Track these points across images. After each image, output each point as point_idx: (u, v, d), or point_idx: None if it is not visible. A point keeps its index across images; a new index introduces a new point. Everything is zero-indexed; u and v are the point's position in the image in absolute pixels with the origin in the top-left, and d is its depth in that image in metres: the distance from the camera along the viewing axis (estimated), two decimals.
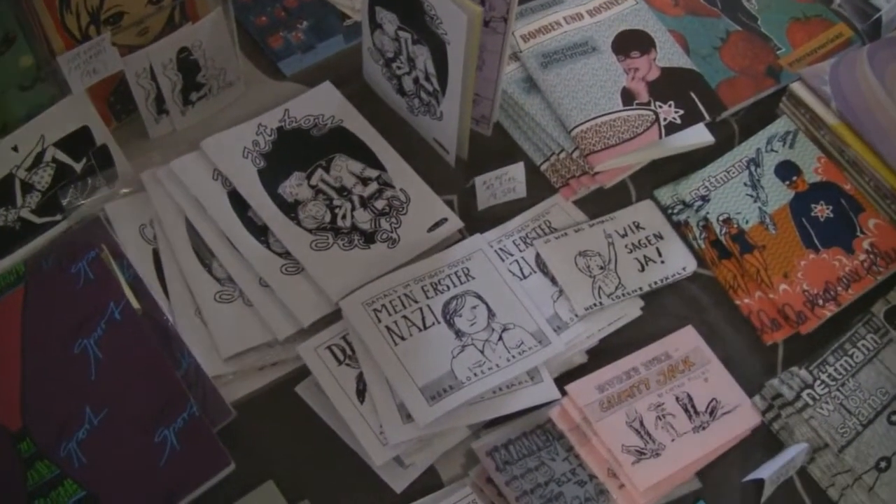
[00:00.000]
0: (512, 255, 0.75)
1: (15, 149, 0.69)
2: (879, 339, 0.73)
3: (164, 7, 0.75)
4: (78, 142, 0.73)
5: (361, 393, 0.67)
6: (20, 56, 0.69)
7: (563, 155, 0.80)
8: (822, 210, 0.78)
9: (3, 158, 0.69)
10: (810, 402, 0.70)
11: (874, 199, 0.78)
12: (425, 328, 0.69)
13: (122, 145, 0.75)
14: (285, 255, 0.73)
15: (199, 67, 0.78)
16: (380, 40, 0.78)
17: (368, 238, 0.74)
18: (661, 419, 0.69)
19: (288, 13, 0.87)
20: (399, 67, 0.78)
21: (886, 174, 0.77)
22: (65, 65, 0.70)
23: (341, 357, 0.68)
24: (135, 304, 0.69)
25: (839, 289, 0.74)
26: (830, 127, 0.80)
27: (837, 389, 0.70)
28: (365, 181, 0.77)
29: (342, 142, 0.79)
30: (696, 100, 0.81)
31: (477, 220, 0.77)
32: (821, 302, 0.74)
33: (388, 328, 0.69)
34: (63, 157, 0.72)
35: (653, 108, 0.80)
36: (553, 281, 0.74)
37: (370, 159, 0.78)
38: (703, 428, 0.69)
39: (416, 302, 0.71)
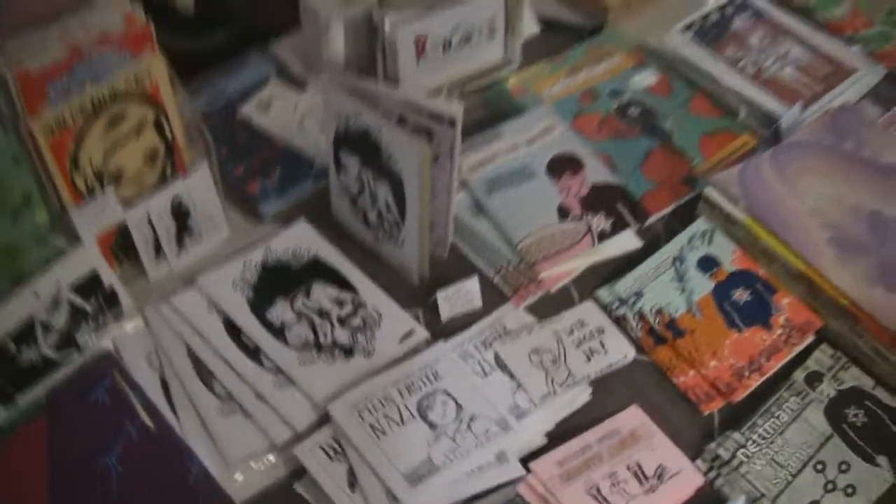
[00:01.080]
0: (474, 356, 0.90)
1: (35, 294, 0.84)
2: (801, 400, 0.88)
3: (157, 164, 0.92)
4: (88, 284, 0.87)
5: (353, 484, 0.80)
6: (36, 212, 0.85)
7: (511, 267, 0.95)
8: (741, 294, 0.94)
9: (26, 304, 0.83)
10: (745, 459, 0.83)
11: (785, 281, 0.94)
12: (403, 423, 0.83)
13: (125, 285, 0.90)
14: (276, 371, 0.87)
15: (190, 214, 0.94)
16: (344, 180, 0.95)
17: (348, 352, 0.89)
18: (615, 486, 0.82)
19: (263, 162, 1.04)
20: (363, 202, 0.95)
21: (793, 259, 0.93)
22: (76, 219, 0.86)
23: (332, 454, 0.82)
24: (148, 422, 0.82)
25: (762, 360, 0.89)
26: (742, 223, 0.96)
27: (768, 446, 0.84)
28: (341, 303, 0.92)
29: (318, 271, 0.94)
30: (624, 210, 0.98)
31: (441, 329, 0.92)
32: (747, 373, 0.89)
33: (371, 425, 0.82)
34: (76, 299, 0.87)
35: (585, 219, 0.97)
36: (511, 376, 0.88)
37: (344, 284, 0.94)
38: (653, 490, 0.82)
39: (394, 402, 0.84)
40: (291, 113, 1.09)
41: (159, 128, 0.90)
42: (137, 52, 0.85)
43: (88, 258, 0.87)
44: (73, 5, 0.83)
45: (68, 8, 0.83)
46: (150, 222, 0.91)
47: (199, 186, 0.93)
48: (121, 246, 0.92)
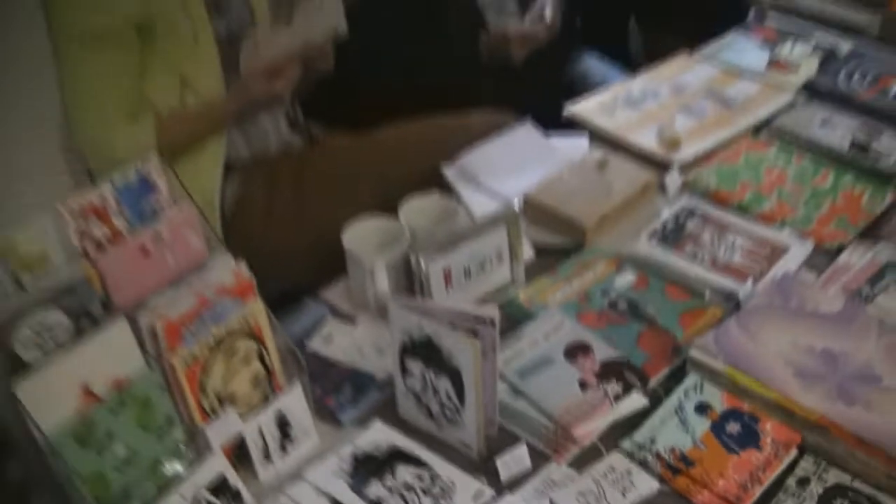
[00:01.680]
0: None
1: (181, 497, 1.08)
2: (797, 500, 1.12)
3: (260, 386, 1.19)
4: (219, 486, 1.12)
5: None
6: (175, 430, 1.11)
7: (550, 433, 1.22)
8: (732, 427, 1.20)
9: None
10: None
11: (765, 410, 1.21)
12: None
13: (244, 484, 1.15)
14: None
15: (290, 424, 1.20)
16: (410, 382, 1.22)
17: None
18: None
19: (334, 382, 1.31)
20: (427, 398, 1.21)
21: (768, 393, 1.20)
22: (208, 433, 1.12)
23: None
24: None
25: (759, 474, 1.14)
26: (723, 373, 1.24)
27: None
28: (421, 478, 1.17)
29: (398, 455, 1.20)
30: (630, 377, 1.26)
31: (501, 489, 1.17)
32: (749, 486, 1.13)
33: None
34: (212, 499, 1.11)
35: (602, 388, 1.25)
36: None
37: (420, 462, 1.19)
38: None
39: None
40: (350, 342, 1.38)
41: (261, 357, 1.18)
42: (245, 299, 1.14)
43: (218, 465, 1.12)
44: (198, 266, 1.14)
45: (195, 269, 1.13)
46: (260, 433, 1.17)
47: (295, 402, 1.20)
48: (237, 454, 1.18)
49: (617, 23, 3.01)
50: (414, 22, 2.26)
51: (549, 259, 1.52)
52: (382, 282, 1.38)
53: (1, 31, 1.65)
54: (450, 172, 1.73)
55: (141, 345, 1.08)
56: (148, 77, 1.78)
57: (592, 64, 2.61)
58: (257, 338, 1.17)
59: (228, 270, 1.14)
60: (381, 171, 1.90)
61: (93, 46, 1.69)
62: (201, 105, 1.81)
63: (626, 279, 1.44)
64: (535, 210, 1.58)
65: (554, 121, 1.90)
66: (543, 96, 2.21)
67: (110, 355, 1.06)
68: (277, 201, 1.86)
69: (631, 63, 2.68)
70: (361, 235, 1.46)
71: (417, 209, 1.50)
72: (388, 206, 1.54)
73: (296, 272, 1.72)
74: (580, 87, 2.23)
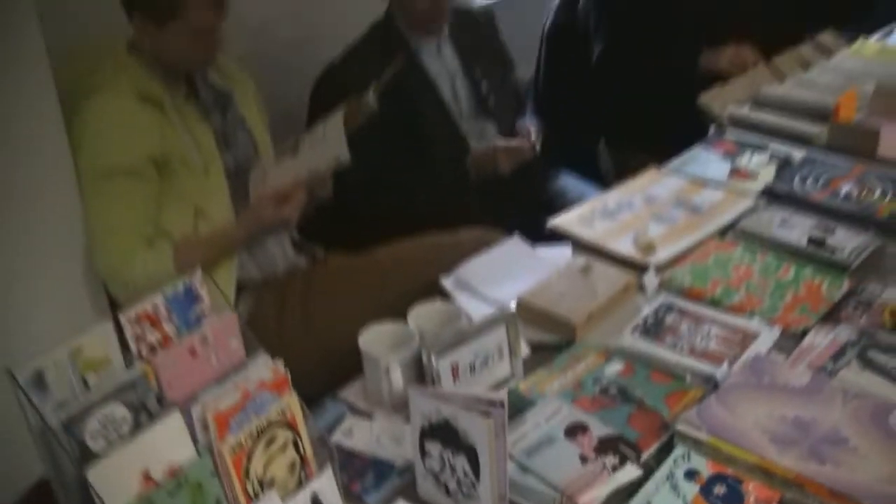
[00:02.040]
0: None
1: None
2: None
3: (295, 472, 1.34)
4: None
5: None
6: None
7: (558, 503, 1.37)
8: (719, 489, 1.35)
9: None
10: None
11: (747, 473, 1.37)
12: None
13: None
14: None
15: None
16: (429, 463, 1.38)
17: None
18: None
19: (357, 469, 1.47)
20: (445, 476, 1.37)
21: (748, 457, 1.37)
22: None
23: None
24: None
25: None
26: (707, 443, 1.41)
27: None
28: None
29: None
30: (626, 450, 1.42)
31: None
32: None
33: None
34: None
35: (600, 461, 1.40)
36: None
37: None
38: None
39: None
40: (369, 434, 1.53)
41: (296, 446, 1.34)
42: (281, 393, 1.31)
43: None
44: (239, 365, 1.31)
45: (237, 367, 1.30)
46: None
47: (327, 485, 1.35)
48: None
49: (588, 145, 3.26)
50: (406, 150, 2.49)
51: (544, 354, 1.69)
52: (397, 378, 1.54)
53: (27, 168, 1.84)
54: (447, 283, 1.92)
55: (192, 435, 1.24)
56: (164, 207, 1.98)
57: (568, 182, 2.84)
58: (293, 428, 1.33)
59: (266, 367, 1.31)
60: (381, 286, 2.09)
61: (115, 181, 1.89)
62: (214, 231, 2.00)
63: (615, 368, 1.61)
64: (528, 311, 1.76)
65: (537, 235, 2.10)
66: (526, 213, 2.43)
67: (166, 444, 1.21)
68: (287, 318, 2.04)
69: (602, 180, 2.92)
70: (375, 339, 1.63)
71: (424, 314, 1.67)
72: (394, 315, 1.72)
73: (308, 383, 1.87)
74: (559, 204, 2.45)
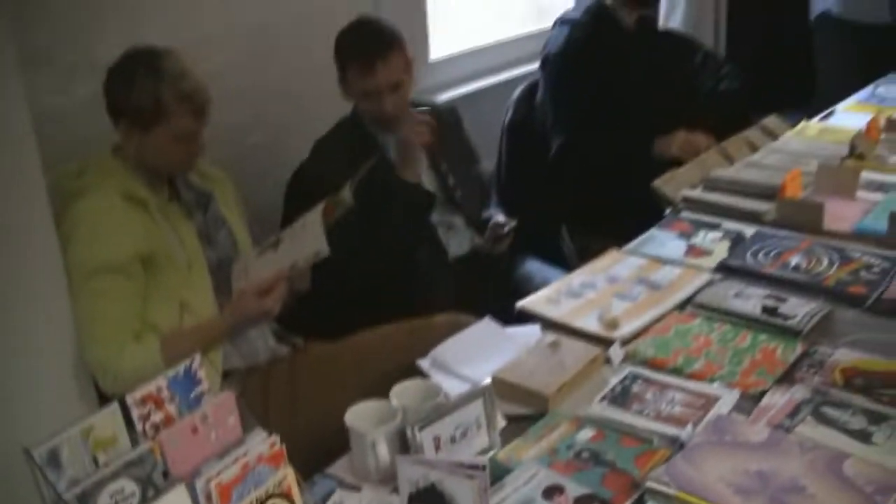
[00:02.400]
0: None
1: None
2: None
3: None
4: None
5: None
6: None
7: None
8: None
9: None
10: None
11: None
12: None
13: None
14: None
15: None
16: None
17: None
18: None
19: None
20: None
21: None
22: None
23: None
24: None
25: None
26: (676, 496, 1.52)
27: None
28: None
29: None
30: None
31: None
32: None
33: None
34: None
35: None
36: None
37: None
38: None
39: None
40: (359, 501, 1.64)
41: None
42: (277, 465, 1.41)
43: None
44: (238, 441, 1.41)
45: (235, 443, 1.41)
46: None
47: None
48: None
49: (550, 231, 3.42)
50: (378, 242, 2.63)
51: (519, 425, 1.80)
52: (383, 452, 1.65)
53: (18, 267, 1.94)
54: (424, 364, 2.04)
55: None
56: (150, 302, 2.10)
57: (533, 267, 2.99)
58: (289, 498, 1.43)
59: (263, 442, 1.42)
60: (361, 369, 2.21)
61: (104, 278, 2.01)
62: (199, 324, 2.12)
63: (587, 434, 1.73)
64: (503, 386, 1.88)
65: (506, 318, 2.23)
66: (494, 298, 2.57)
67: None
68: (273, 404, 2.15)
69: (566, 263, 3.07)
70: (360, 415, 1.73)
71: (405, 392, 1.79)
72: (375, 397, 1.83)
73: (295, 464, 1.98)
74: (525, 288, 2.57)
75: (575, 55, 3.30)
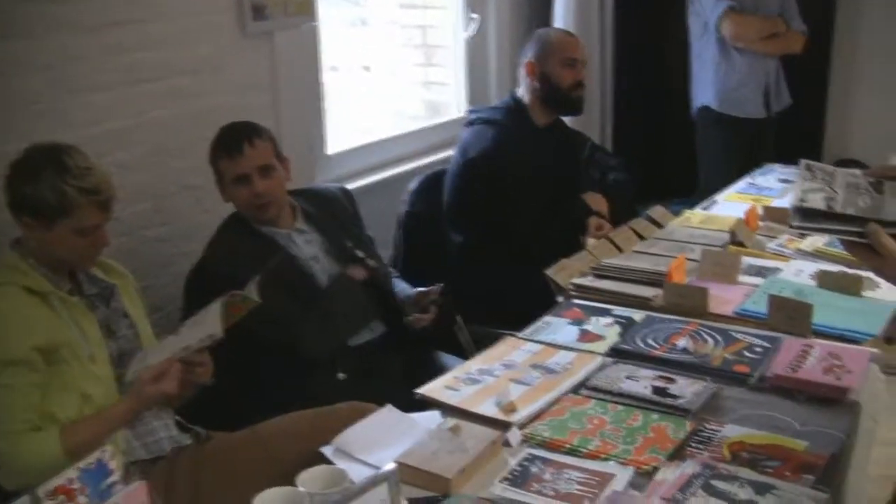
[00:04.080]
0: None
1: None
2: None
3: None
4: None
5: None
6: None
7: None
8: None
9: None
10: None
11: None
12: None
13: None
14: None
15: None
16: None
17: None
18: None
19: None
20: None
21: None
22: None
23: None
24: None
25: None
26: None
27: None
28: None
29: None
30: None
31: None
32: None
33: None
34: None
35: None
36: None
37: None
38: None
39: None
40: None
41: None
42: None
43: None
44: None
45: None
46: None
47: None
48: None
49: (446, 322, 3.51)
50: (277, 332, 2.69)
51: None
52: None
53: None
54: (328, 452, 2.09)
55: None
56: (50, 393, 2.12)
57: (431, 357, 3.08)
58: None
59: None
60: (266, 458, 2.25)
61: (4, 371, 2.03)
62: (98, 412, 2.15)
63: None
64: (406, 470, 1.94)
65: (406, 406, 2.30)
66: (393, 388, 2.64)
67: None
68: (176, 497, 2.17)
69: (462, 353, 3.15)
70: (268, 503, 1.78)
71: (312, 478, 1.84)
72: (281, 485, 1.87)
73: None
74: (422, 377, 2.65)
75: (501, 157, 3.45)
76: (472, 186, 3.48)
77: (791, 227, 1.85)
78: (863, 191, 1.80)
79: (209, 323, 2.20)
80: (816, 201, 1.78)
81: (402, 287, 3.17)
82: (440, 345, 3.34)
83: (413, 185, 3.73)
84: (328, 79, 4.00)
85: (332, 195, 3.08)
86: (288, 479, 1.85)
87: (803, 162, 1.87)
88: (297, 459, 2.11)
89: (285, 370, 2.68)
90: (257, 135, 2.79)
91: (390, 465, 1.95)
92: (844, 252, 2.07)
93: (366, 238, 3.10)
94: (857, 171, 1.91)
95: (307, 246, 2.88)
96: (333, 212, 2.97)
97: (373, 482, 1.77)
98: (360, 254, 2.92)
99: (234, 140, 2.75)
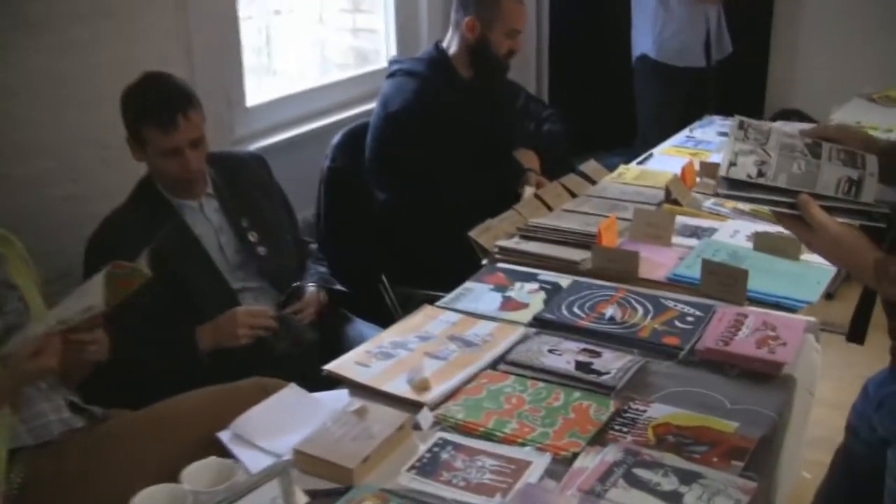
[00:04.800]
0: None
1: None
2: None
3: None
4: None
5: None
6: None
7: None
8: None
9: None
10: None
11: None
12: None
13: None
14: None
15: None
16: None
17: None
18: None
19: None
20: None
21: None
22: None
23: None
24: None
25: None
26: None
27: None
28: None
29: None
30: None
31: None
32: None
33: None
34: None
35: None
36: None
37: None
38: None
39: None
40: None
41: None
42: None
43: None
44: None
45: None
46: None
47: None
48: None
49: (371, 283, 3.34)
50: (176, 307, 2.51)
51: (325, 501, 1.71)
52: None
53: None
54: (224, 437, 1.92)
55: None
56: None
57: (350, 325, 2.90)
58: None
59: None
60: (160, 442, 2.08)
61: None
62: None
63: None
64: (305, 460, 1.78)
65: (317, 382, 2.13)
66: (305, 361, 2.47)
67: None
68: (65, 480, 2.00)
69: (388, 317, 2.98)
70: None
71: (198, 473, 1.67)
72: (174, 473, 1.70)
73: None
74: (339, 349, 2.48)
75: (423, 111, 3.25)
76: (393, 141, 3.28)
77: (717, 195, 1.70)
78: (798, 154, 1.65)
79: (91, 295, 2.00)
80: (747, 165, 1.63)
81: (311, 275, 2.92)
82: (364, 309, 3.18)
83: (336, 139, 3.53)
84: (246, 26, 3.75)
85: (240, 161, 2.86)
86: (184, 465, 1.71)
87: (737, 119, 1.71)
88: (193, 444, 1.95)
89: (186, 348, 2.51)
90: (191, 106, 2.53)
91: (286, 457, 1.80)
92: None
93: (276, 209, 2.87)
94: (795, 131, 1.76)
95: (216, 215, 2.68)
96: (239, 181, 2.76)
97: (264, 477, 1.60)
98: (252, 237, 2.71)
99: (166, 111, 2.49)
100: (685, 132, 3.88)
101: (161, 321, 2.53)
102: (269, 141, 3.72)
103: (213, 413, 2.05)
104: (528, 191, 3.11)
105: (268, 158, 3.06)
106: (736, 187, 1.64)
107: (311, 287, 2.73)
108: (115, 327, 2.22)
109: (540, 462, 1.76)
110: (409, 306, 3.02)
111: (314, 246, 3.04)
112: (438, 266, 2.90)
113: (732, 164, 1.65)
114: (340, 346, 2.66)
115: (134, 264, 2.07)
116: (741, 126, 1.70)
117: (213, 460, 1.72)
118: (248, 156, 2.95)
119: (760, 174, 1.63)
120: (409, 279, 3.26)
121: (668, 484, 1.66)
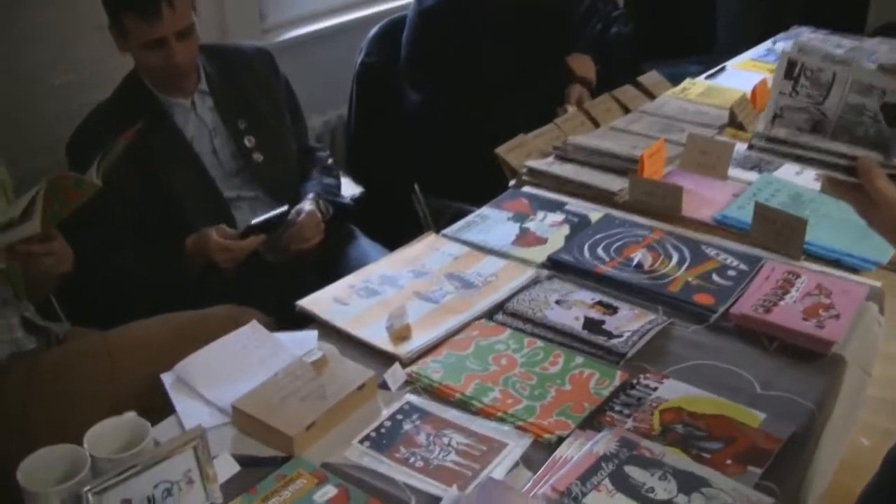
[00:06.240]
0: None
1: None
2: None
3: None
4: None
5: None
6: None
7: None
8: None
9: None
10: None
11: None
12: None
13: None
14: None
15: None
16: None
17: None
18: None
19: None
20: None
21: None
22: None
23: None
24: None
25: None
26: None
27: None
28: None
29: None
30: None
31: None
32: None
33: None
34: None
35: None
36: None
37: None
38: None
39: None
40: None
41: None
42: None
43: None
44: None
45: None
46: None
47: None
48: None
49: (404, 190, 3.04)
50: (160, 215, 2.27)
51: (258, 472, 1.45)
52: None
53: None
54: (167, 380, 1.66)
55: None
56: None
57: (353, 247, 2.60)
58: None
59: None
60: (109, 375, 1.87)
61: None
62: None
63: (326, 495, 1.38)
64: (242, 420, 1.52)
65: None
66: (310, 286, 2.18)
67: None
68: (2, 412, 1.79)
69: (420, 229, 2.68)
70: (42, 466, 1.36)
71: (103, 434, 1.41)
72: (120, 411, 1.46)
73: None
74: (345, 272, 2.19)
75: (459, 7, 2.88)
76: (427, 39, 2.92)
77: (750, 147, 1.34)
78: (868, 117, 1.27)
79: (25, 210, 1.75)
80: (797, 123, 1.27)
81: (313, 185, 2.59)
82: (395, 217, 2.90)
83: (373, 30, 3.18)
84: None
85: (242, 55, 2.52)
86: (135, 403, 1.51)
87: (784, 57, 1.33)
88: (143, 382, 1.74)
89: (168, 257, 2.25)
90: None
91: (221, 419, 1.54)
92: None
93: (279, 112, 2.54)
94: (873, 67, 1.38)
95: (210, 114, 2.38)
96: (238, 78, 2.44)
97: (174, 447, 1.35)
98: (248, 142, 2.39)
99: None
100: (767, 43, 3.42)
101: (146, 230, 2.28)
102: (301, 31, 3.38)
103: (171, 346, 1.80)
104: (569, 111, 2.74)
105: (299, 53, 2.74)
106: (776, 141, 1.29)
107: (308, 205, 2.39)
108: (86, 238, 1.99)
109: (517, 446, 1.46)
110: (440, 220, 2.75)
111: (324, 153, 2.71)
112: (472, 179, 2.57)
113: (778, 116, 1.29)
114: (340, 268, 2.38)
115: (79, 174, 1.81)
116: (791, 66, 1.32)
117: (129, 417, 1.46)
118: (252, 49, 2.59)
119: (815, 130, 1.27)
120: (441, 190, 2.95)
121: (664, 491, 1.35)
